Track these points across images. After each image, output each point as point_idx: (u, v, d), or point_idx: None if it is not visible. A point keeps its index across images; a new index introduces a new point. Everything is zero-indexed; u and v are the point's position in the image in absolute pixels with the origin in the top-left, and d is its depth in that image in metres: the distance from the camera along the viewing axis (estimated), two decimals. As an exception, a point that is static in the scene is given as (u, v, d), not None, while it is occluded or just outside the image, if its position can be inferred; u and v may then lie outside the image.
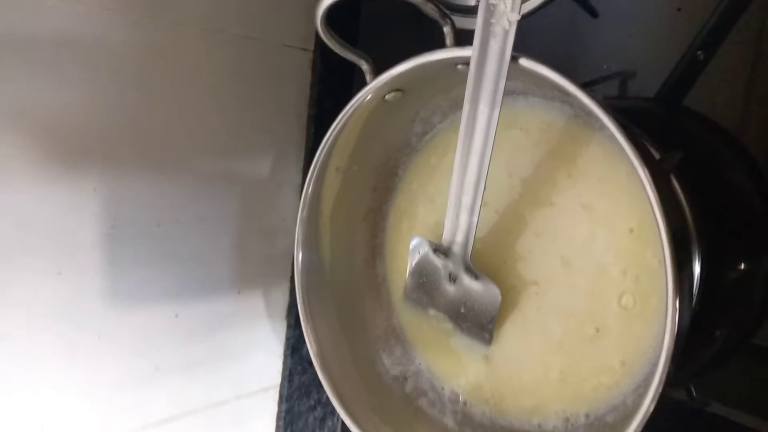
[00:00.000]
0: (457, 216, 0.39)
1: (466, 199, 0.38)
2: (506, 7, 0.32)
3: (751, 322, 0.44)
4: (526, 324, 0.42)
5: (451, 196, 0.39)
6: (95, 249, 0.49)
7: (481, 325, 0.43)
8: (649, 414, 0.32)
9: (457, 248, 0.41)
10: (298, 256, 0.46)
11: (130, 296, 0.51)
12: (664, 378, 0.32)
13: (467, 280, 0.42)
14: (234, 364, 0.60)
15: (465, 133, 0.36)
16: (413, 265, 0.45)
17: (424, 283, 0.44)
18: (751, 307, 0.43)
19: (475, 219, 0.39)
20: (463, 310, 0.43)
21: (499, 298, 0.41)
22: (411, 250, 0.44)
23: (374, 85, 0.40)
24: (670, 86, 0.45)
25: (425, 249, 0.43)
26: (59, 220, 0.46)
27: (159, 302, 0.53)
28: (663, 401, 0.33)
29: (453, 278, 0.43)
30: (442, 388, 0.47)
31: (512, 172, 0.43)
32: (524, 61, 0.34)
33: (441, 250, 0.42)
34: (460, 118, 0.36)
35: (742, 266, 0.42)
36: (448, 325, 0.45)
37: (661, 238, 0.31)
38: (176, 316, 0.54)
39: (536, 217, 0.42)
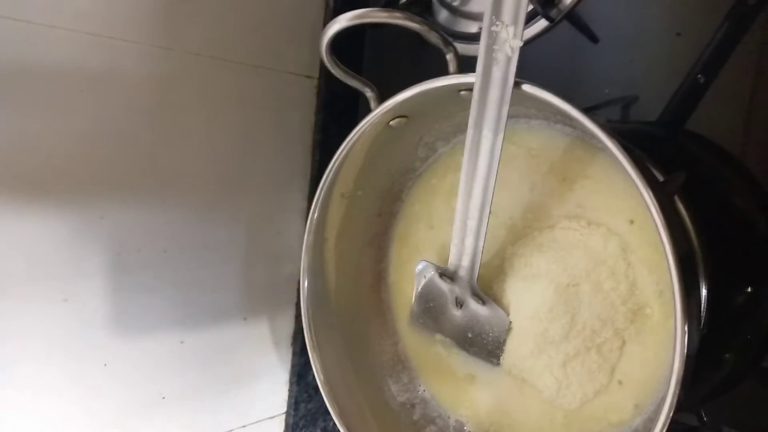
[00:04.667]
0: (462, 240, 0.39)
1: (472, 223, 0.38)
2: (508, 34, 0.33)
3: (760, 344, 0.43)
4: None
5: (457, 220, 0.39)
6: (101, 276, 0.49)
7: (488, 351, 0.43)
8: (660, 439, 0.32)
9: (463, 272, 0.41)
10: (304, 283, 0.46)
11: (135, 323, 0.51)
12: (674, 403, 0.31)
13: (474, 305, 0.42)
14: (240, 391, 0.60)
15: (469, 158, 0.37)
16: (419, 289, 0.44)
17: (430, 308, 0.44)
18: (759, 330, 0.43)
19: (481, 243, 0.39)
20: (470, 335, 0.43)
21: (507, 323, 0.41)
22: (417, 274, 0.44)
23: (378, 111, 0.41)
24: (671, 110, 0.45)
25: (431, 273, 0.43)
26: (66, 247, 0.47)
27: (164, 329, 0.53)
28: (674, 427, 0.33)
29: (460, 303, 0.43)
30: (449, 417, 0.47)
31: (514, 190, 0.43)
32: (527, 87, 0.34)
33: (447, 274, 0.42)
34: (463, 141, 0.37)
35: (749, 289, 0.42)
36: (455, 350, 0.45)
37: (667, 262, 0.31)
38: (182, 342, 0.54)
39: (542, 235, 0.42)
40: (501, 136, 0.35)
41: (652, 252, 0.38)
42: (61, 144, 0.46)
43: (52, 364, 0.47)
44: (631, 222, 0.39)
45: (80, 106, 0.46)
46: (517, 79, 0.34)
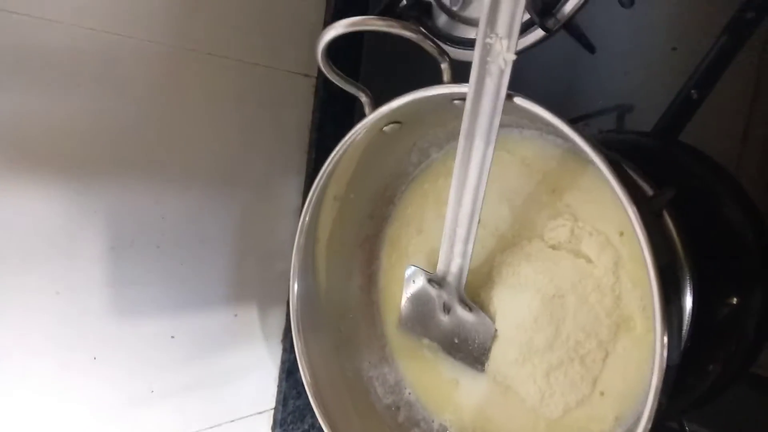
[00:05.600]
0: (451, 247, 0.40)
1: (461, 231, 0.39)
2: (502, 47, 0.33)
3: (744, 356, 0.44)
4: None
5: (446, 227, 0.39)
6: (94, 269, 0.49)
7: (474, 357, 0.43)
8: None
9: (451, 279, 0.41)
10: (294, 285, 0.46)
11: (127, 317, 0.51)
12: (653, 416, 0.32)
13: (461, 312, 0.42)
14: (229, 386, 0.61)
15: (460, 167, 0.37)
16: (408, 294, 0.45)
17: (418, 313, 0.45)
18: (744, 341, 0.43)
19: (470, 251, 0.39)
20: (456, 341, 0.43)
21: (493, 331, 0.42)
22: (406, 278, 0.45)
23: (372, 117, 0.41)
24: (665, 123, 0.45)
25: (420, 278, 0.44)
26: (59, 240, 0.47)
27: (156, 323, 0.53)
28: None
29: (447, 309, 0.43)
30: (433, 421, 0.47)
31: (505, 198, 0.43)
32: (519, 100, 0.34)
33: (435, 280, 0.42)
34: (455, 148, 0.37)
35: (735, 300, 0.42)
36: (442, 355, 0.45)
37: (649, 278, 0.31)
38: (173, 337, 0.55)
39: (531, 245, 0.42)
40: (492, 146, 0.35)
41: (637, 266, 0.38)
42: (55, 137, 0.46)
43: (43, 356, 0.47)
44: (621, 234, 0.39)
45: (77, 101, 0.47)
46: (510, 92, 0.34)
